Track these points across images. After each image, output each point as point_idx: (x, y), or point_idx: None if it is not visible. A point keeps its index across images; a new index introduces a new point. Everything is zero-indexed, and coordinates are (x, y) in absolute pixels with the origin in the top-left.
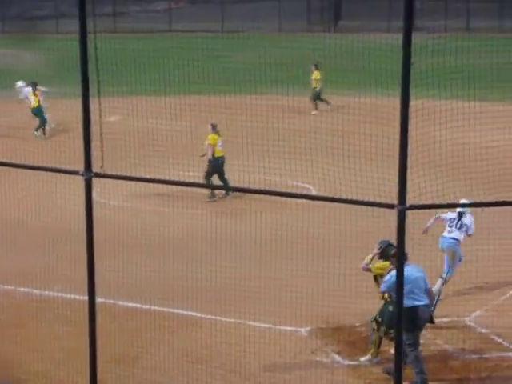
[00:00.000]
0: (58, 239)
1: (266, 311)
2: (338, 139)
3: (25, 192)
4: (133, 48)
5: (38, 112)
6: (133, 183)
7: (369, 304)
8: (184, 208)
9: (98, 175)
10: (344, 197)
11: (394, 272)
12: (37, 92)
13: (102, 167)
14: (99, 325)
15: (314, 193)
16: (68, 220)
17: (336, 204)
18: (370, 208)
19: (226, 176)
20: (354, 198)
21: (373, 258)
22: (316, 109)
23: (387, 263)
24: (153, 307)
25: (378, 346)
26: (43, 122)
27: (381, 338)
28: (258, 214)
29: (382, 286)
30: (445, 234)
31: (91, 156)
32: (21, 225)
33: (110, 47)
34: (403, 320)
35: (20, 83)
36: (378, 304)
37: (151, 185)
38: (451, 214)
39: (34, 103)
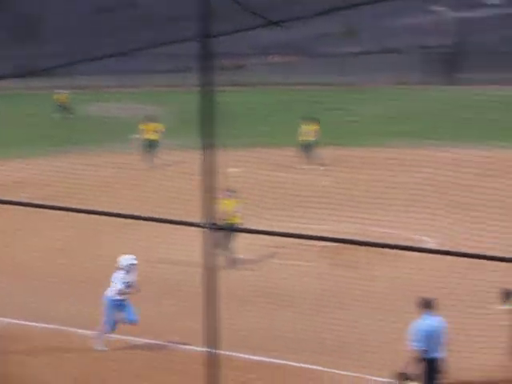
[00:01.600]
0: (176, 291)
1: (384, 365)
2: (459, 192)
3: (143, 242)
4: (252, 100)
5: (151, 144)
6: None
7: (487, 360)
8: (300, 260)
9: (218, 227)
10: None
11: None
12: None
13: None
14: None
15: (431, 246)
16: (185, 271)
17: (455, 259)
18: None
19: None
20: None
21: None
22: None
23: None
24: (277, 360)
25: None
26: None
27: None
28: (376, 266)
29: None
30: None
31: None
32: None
33: (230, 100)
34: None
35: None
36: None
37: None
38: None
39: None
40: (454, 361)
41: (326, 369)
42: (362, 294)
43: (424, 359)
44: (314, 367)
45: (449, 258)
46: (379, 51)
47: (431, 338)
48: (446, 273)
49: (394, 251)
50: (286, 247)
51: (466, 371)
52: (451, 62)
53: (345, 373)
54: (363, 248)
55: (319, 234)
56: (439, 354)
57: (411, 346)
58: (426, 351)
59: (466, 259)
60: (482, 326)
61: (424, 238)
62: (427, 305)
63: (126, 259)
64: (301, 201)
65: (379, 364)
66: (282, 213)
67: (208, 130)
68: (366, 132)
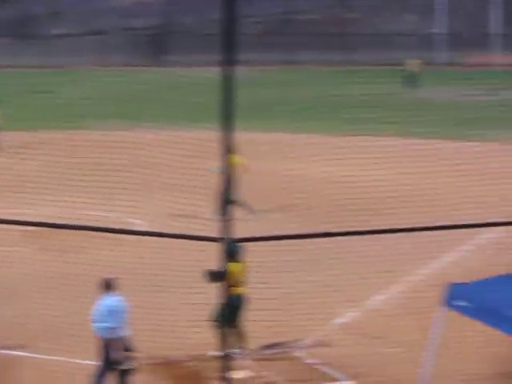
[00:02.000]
0: None
1: (92, 348)
2: (164, 173)
3: None
4: None
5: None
6: None
7: (197, 338)
8: (4, 246)
9: None
10: (172, 232)
11: None
12: None
13: None
14: None
15: (144, 228)
16: None
17: (165, 239)
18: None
19: None
20: (183, 233)
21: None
22: None
23: (233, 264)
24: None
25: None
26: None
27: (225, 332)
28: (84, 249)
29: None
30: None
31: None
32: None
33: None
34: None
35: None
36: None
37: None
38: None
39: None
40: (158, 340)
41: (29, 354)
42: (68, 277)
43: (108, 339)
44: (16, 353)
45: (161, 239)
46: (85, 33)
47: (111, 317)
48: (158, 254)
49: (109, 234)
50: None
51: (167, 350)
52: (157, 43)
53: (49, 357)
54: (75, 232)
55: (20, 219)
56: (123, 333)
57: (93, 326)
58: (108, 330)
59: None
60: (186, 305)
61: (136, 221)
62: (107, 285)
63: None
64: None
65: (84, 347)
66: None
67: None
68: (74, 114)
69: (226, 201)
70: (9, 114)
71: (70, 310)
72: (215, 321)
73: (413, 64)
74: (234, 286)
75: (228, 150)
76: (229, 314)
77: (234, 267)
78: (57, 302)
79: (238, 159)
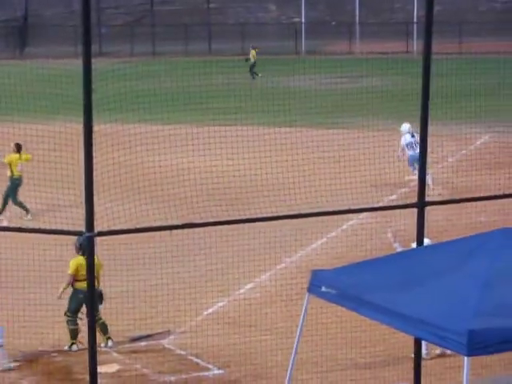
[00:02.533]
0: None
1: None
2: (26, 168)
3: None
4: None
5: None
6: None
7: (62, 333)
8: None
9: None
10: (33, 227)
11: None
12: None
13: None
14: None
15: (5, 224)
16: None
17: (27, 234)
18: (60, 236)
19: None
20: (42, 227)
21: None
22: None
23: (80, 257)
24: None
25: (76, 335)
26: None
27: (76, 328)
28: None
29: None
30: (411, 153)
31: None
32: None
33: None
34: None
35: None
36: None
37: None
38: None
39: None
40: (23, 336)
41: None
42: None
43: None
44: None
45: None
46: None
47: None
48: (18, 250)
49: None
50: None
51: (33, 346)
52: (17, 35)
53: None
54: None
55: None
56: None
57: None
58: None
59: None
60: (49, 301)
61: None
62: None
63: None
64: None
65: None
66: None
67: None
68: None
69: (4, 201)
70: None
71: None
72: (67, 315)
73: (252, 53)
74: (83, 280)
75: (17, 147)
76: (79, 308)
77: (82, 261)
78: None
79: (24, 157)
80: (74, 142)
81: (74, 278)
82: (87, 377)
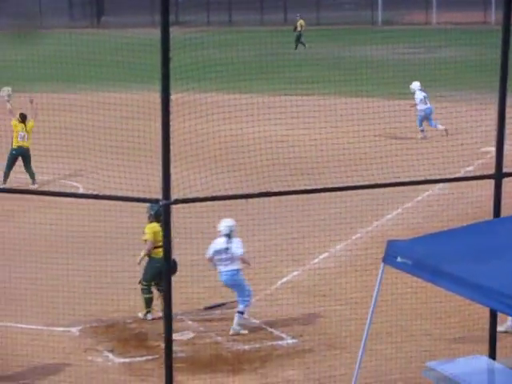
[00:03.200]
0: None
1: (36, 313)
2: (104, 136)
3: None
4: None
5: None
6: None
7: (137, 300)
8: None
9: None
10: (110, 194)
11: None
12: None
13: None
14: None
15: (81, 191)
16: None
17: (104, 201)
18: (136, 204)
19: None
20: (121, 194)
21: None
22: None
23: (155, 224)
24: None
25: (151, 303)
26: None
27: (151, 297)
28: (25, 213)
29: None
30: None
31: None
32: None
33: None
34: None
35: None
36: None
37: None
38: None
39: None
40: (99, 303)
41: None
42: (14, 242)
43: None
44: None
45: (101, 201)
46: None
47: None
48: (99, 217)
49: (45, 197)
50: None
51: (109, 313)
52: (95, 5)
53: None
54: (13, 196)
55: None
56: None
57: None
58: None
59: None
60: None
61: (74, 184)
62: None
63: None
64: None
65: (29, 312)
66: None
67: None
68: (8, 76)
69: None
70: None
71: (12, 275)
72: (142, 284)
73: (300, 23)
74: (159, 247)
75: (21, 117)
76: (154, 277)
77: (158, 228)
78: None
79: (30, 124)
80: (152, 111)
81: (153, 245)
82: (162, 344)
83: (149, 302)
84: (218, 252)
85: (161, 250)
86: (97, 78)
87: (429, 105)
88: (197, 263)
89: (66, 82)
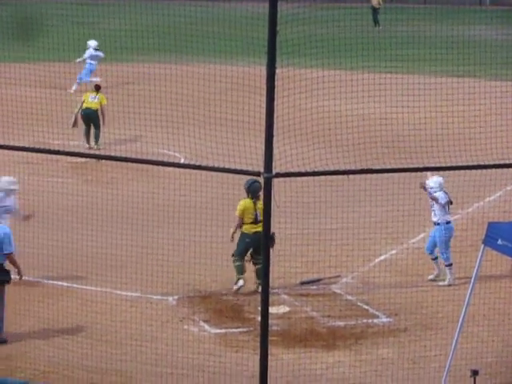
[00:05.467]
0: None
1: (134, 280)
2: (204, 107)
3: None
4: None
5: None
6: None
7: (233, 273)
8: (52, 176)
9: None
10: (212, 165)
11: None
12: None
13: None
14: None
15: (182, 161)
16: None
17: (204, 172)
18: (237, 176)
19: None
20: (222, 166)
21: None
22: None
23: (247, 200)
24: (16, 277)
25: (242, 271)
26: None
27: (240, 264)
28: (128, 182)
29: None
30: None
31: None
32: None
33: None
34: None
35: None
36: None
37: (15, 153)
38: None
39: None
40: (196, 273)
41: (70, 284)
42: (117, 209)
43: None
44: (60, 283)
45: (202, 172)
46: None
47: None
48: (199, 187)
49: (149, 167)
50: (35, 163)
51: (205, 284)
52: None
53: (92, 288)
54: (115, 164)
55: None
56: None
57: None
58: None
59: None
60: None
61: (175, 154)
62: None
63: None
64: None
65: (127, 279)
66: (27, 128)
67: None
68: (118, 46)
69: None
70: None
71: (113, 242)
72: (234, 257)
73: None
74: (250, 223)
75: (97, 88)
76: (244, 251)
77: (250, 204)
78: (99, 234)
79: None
80: (256, 83)
81: (242, 221)
82: (257, 316)
83: (240, 270)
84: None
85: (250, 225)
86: (203, 50)
87: None
88: (295, 237)
89: (174, 52)
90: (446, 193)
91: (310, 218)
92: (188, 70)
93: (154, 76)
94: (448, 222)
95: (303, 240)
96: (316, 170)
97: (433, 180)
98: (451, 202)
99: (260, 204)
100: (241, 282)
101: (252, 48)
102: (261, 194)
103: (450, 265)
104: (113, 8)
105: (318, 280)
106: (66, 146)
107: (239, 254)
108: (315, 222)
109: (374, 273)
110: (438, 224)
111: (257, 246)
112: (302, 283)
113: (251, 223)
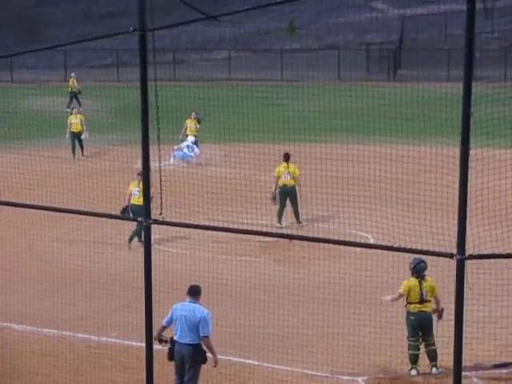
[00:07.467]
0: (113, 286)
1: (323, 360)
2: (397, 188)
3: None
4: (193, 96)
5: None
6: (192, 230)
7: (425, 354)
8: (242, 255)
9: (156, 222)
10: (403, 246)
11: None
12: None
13: (160, 214)
14: (156, 371)
15: (371, 241)
16: (123, 267)
17: (394, 253)
18: (428, 257)
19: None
20: (413, 247)
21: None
22: None
23: (412, 279)
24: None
25: (415, 360)
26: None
27: (414, 353)
28: (316, 261)
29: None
30: None
31: (150, 203)
32: (77, 272)
33: (170, 95)
34: None
35: None
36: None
37: (210, 232)
38: None
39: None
40: None
41: (261, 363)
42: (306, 289)
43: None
44: (251, 361)
45: (391, 253)
46: (319, 48)
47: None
48: (387, 268)
49: (337, 246)
50: (226, 242)
51: None
52: (394, 58)
53: (282, 367)
54: (305, 243)
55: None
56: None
57: None
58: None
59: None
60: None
61: (364, 234)
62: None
63: None
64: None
65: (315, 359)
66: (221, 208)
67: (145, 124)
68: (309, 127)
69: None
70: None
71: (304, 321)
72: (409, 339)
73: None
74: (415, 302)
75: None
76: (414, 329)
77: (415, 283)
78: (287, 313)
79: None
80: (445, 164)
81: (407, 300)
82: None
83: (412, 359)
84: None
85: (415, 305)
86: (391, 130)
87: None
88: (488, 320)
89: (361, 133)
90: None
91: (499, 301)
92: (376, 151)
93: (345, 157)
94: None
95: (492, 323)
96: (510, 251)
97: None
98: None
99: (427, 283)
100: (413, 372)
101: (444, 129)
102: (425, 273)
103: None
104: (301, 90)
105: (511, 363)
106: (256, 224)
107: (411, 335)
108: (503, 305)
109: None
110: None
111: (424, 327)
112: (495, 366)
113: (417, 302)
